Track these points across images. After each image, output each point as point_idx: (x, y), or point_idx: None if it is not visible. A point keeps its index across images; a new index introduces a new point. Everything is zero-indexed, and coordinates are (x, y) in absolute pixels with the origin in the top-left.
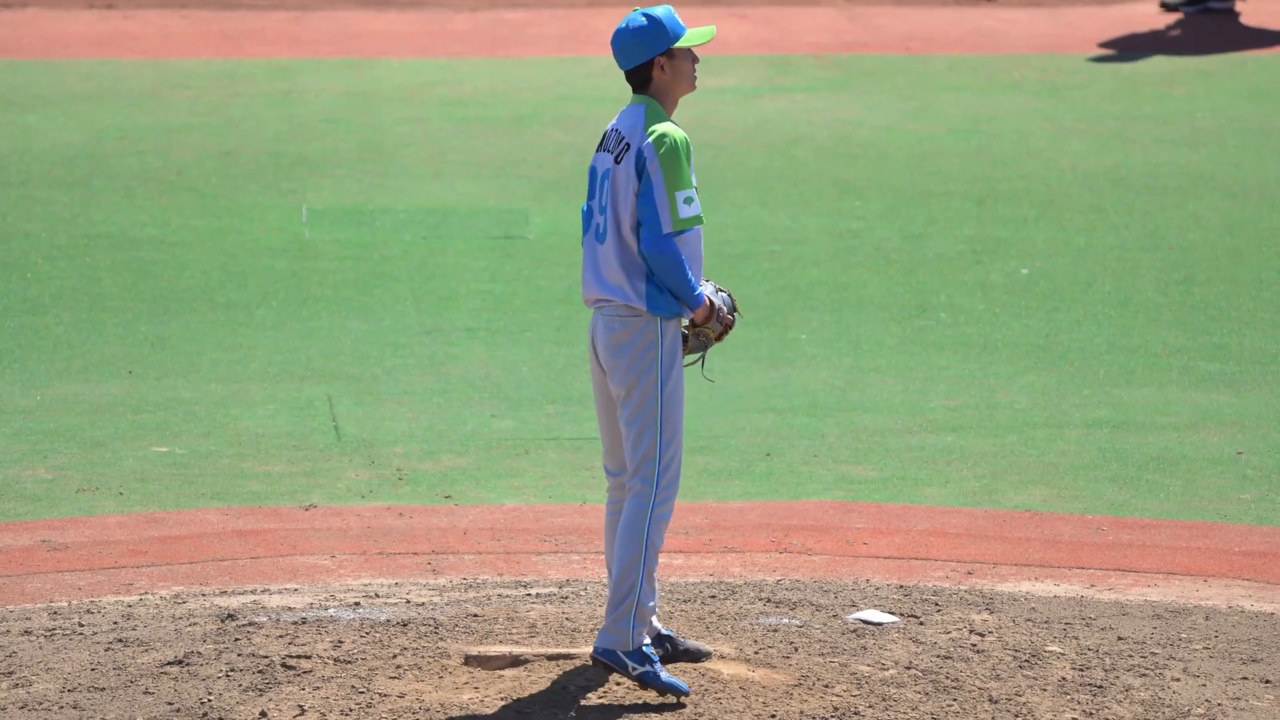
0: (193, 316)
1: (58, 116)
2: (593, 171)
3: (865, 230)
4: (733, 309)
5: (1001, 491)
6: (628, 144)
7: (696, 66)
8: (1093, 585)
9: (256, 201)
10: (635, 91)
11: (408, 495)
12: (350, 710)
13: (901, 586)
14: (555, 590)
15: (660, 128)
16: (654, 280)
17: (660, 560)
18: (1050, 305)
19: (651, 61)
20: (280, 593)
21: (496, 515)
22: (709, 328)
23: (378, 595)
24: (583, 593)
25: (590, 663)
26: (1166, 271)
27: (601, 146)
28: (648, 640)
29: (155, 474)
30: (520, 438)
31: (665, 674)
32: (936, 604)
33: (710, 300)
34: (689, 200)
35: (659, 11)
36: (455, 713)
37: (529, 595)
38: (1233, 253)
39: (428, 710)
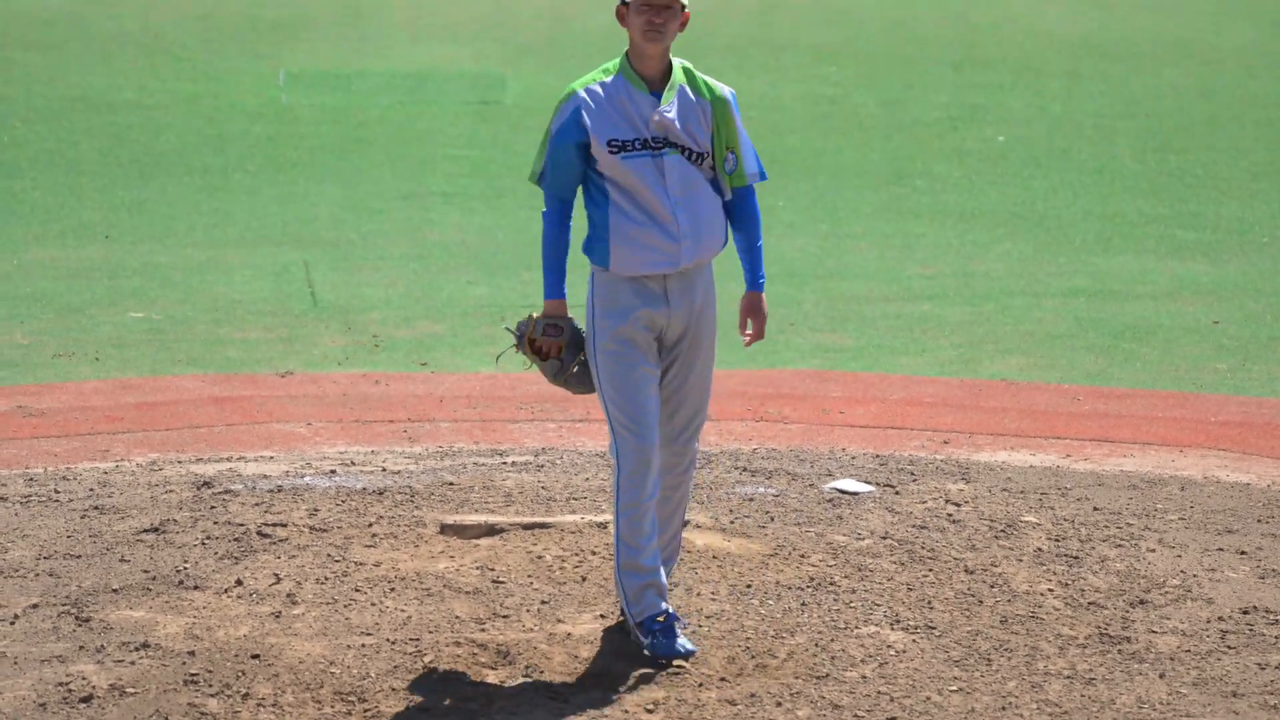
0: (170, 181)
1: None
2: None
3: (842, 97)
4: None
5: (978, 360)
6: None
7: (650, 20)
8: (1069, 455)
9: (234, 65)
10: None
11: (384, 362)
12: (326, 579)
13: (877, 456)
14: (531, 459)
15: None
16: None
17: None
18: (1027, 173)
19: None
20: (256, 460)
21: (473, 383)
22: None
23: (354, 463)
24: (558, 461)
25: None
26: (1143, 139)
27: None
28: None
29: (132, 340)
30: (496, 304)
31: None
32: (912, 474)
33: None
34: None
35: None
36: (431, 582)
37: (505, 464)
38: (1210, 120)
39: (403, 579)
